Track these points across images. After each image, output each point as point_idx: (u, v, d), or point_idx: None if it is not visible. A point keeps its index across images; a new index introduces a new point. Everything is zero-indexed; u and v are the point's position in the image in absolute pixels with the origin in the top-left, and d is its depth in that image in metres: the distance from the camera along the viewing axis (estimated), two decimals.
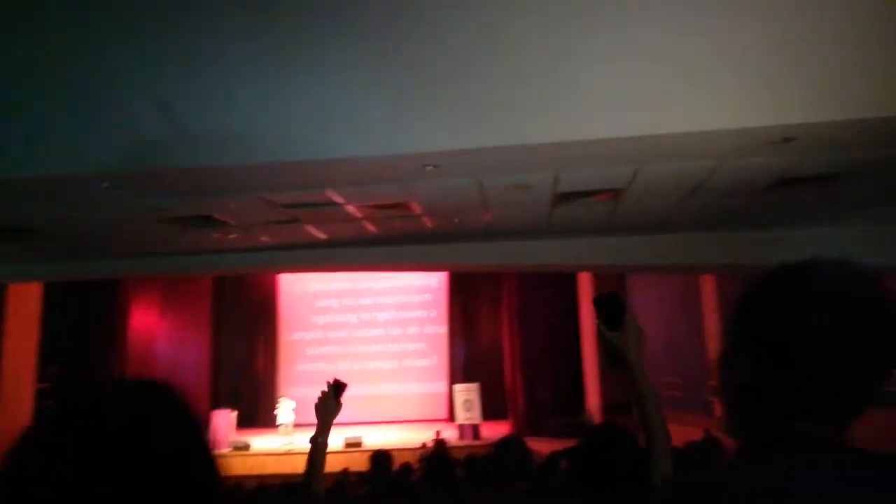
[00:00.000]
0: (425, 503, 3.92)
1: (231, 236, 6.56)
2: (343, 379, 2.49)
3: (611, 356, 1.70)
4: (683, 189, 5.45)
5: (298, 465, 11.54)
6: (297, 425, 15.24)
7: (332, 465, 11.52)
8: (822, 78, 3.67)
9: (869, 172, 5.01)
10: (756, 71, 3.70)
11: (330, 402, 2.43)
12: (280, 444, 13.57)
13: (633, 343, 1.68)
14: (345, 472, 7.03)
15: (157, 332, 16.00)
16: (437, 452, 5.46)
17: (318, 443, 2.35)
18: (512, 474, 3.49)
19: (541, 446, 11.18)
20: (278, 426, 14.07)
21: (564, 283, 14.87)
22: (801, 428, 0.82)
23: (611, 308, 1.70)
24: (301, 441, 13.78)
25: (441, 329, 17.51)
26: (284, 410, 14.10)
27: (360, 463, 8.26)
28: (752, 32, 3.71)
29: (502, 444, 3.78)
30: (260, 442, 13.81)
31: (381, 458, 5.19)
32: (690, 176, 5.06)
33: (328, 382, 2.49)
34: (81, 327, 13.44)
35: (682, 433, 10.11)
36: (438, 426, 15.20)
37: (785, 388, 0.83)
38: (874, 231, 6.73)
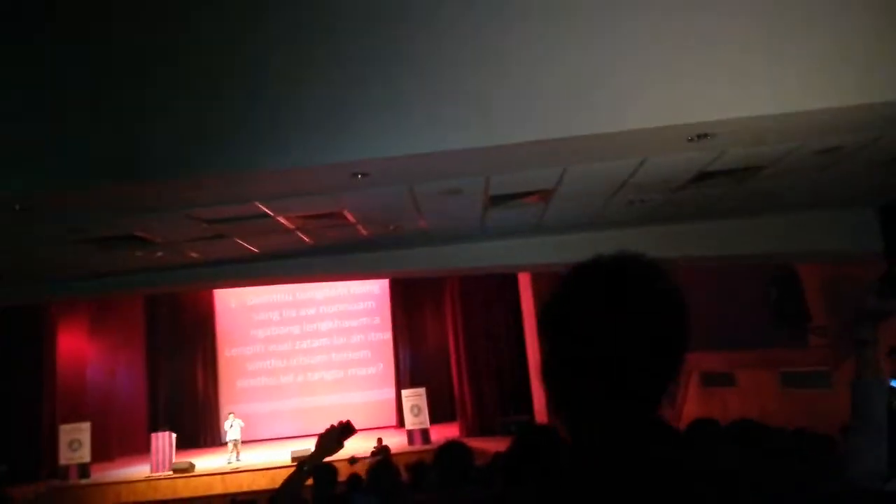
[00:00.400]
0: None
1: (157, 254, 6.35)
2: (353, 425, 2.47)
3: None
4: (609, 187, 5.59)
5: (245, 484, 11.19)
6: (245, 442, 14.90)
7: (280, 480, 11.25)
8: (738, 75, 3.81)
9: (787, 165, 5.25)
10: (671, 69, 3.83)
11: (332, 441, 2.39)
12: (226, 461, 13.22)
13: None
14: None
15: (88, 356, 15.31)
16: (382, 460, 5.41)
17: (304, 471, 2.32)
18: (454, 477, 3.48)
19: (490, 446, 11.26)
20: (226, 443, 13.69)
21: (506, 283, 15.03)
22: (610, 410, 0.86)
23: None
24: (248, 458, 13.45)
25: (385, 336, 17.41)
26: (233, 428, 13.73)
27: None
28: (669, 32, 3.84)
29: (444, 449, 3.77)
30: (204, 462, 13.41)
31: (323, 472, 5.09)
32: (615, 174, 5.19)
33: (340, 422, 2.46)
34: (5, 355, 12.76)
35: None
36: (388, 433, 15.11)
37: (584, 375, 0.88)
38: (795, 220, 7.07)
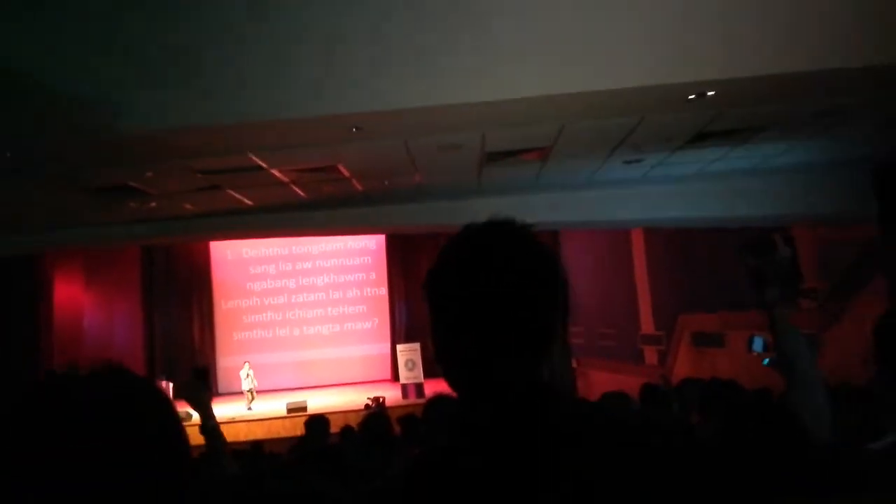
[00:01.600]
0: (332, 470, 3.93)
1: (151, 205, 6.32)
2: (202, 364, 2.49)
3: None
4: (607, 145, 5.55)
5: (242, 434, 11.35)
6: (241, 393, 15.10)
7: (277, 430, 11.40)
8: (737, 34, 3.75)
9: (786, 126, 5.21)
10: (672, 28, 3.76)
11: (197, 389, 2.42)
12: (245, 409, 13.45)
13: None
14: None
15: (84, 305, 15.38)
16: (375, 414, 5.50)
17: (211, 426, 2.34)
18: (440, 430, 3.54)
19: None
20: (244, 392, 13.87)
21: None
22: (484, 368, 0.89)
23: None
24: (260, 407, 13.73)
25: (381, 291, 17.47)
26: (249, 377, 13.91)
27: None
28: None
29: (432, 403, 3.82)
30: None
31: (315, 423, 5.19)
32: (613, 132, 5.15)
33: (190, 371, 2.50)
34: (1, 304, 12.81)
35: (616, 381, 10.52)
36: (382, 387, 15.32)
37: (457, 338, 0.91)
38: (791, 181, 7.05)
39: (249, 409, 13.71)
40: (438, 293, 0.95)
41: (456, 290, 0.91)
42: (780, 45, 3.73)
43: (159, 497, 0.74)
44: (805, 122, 5.11)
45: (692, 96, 4.18)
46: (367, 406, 12.26)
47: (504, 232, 0.94)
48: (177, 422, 0.82)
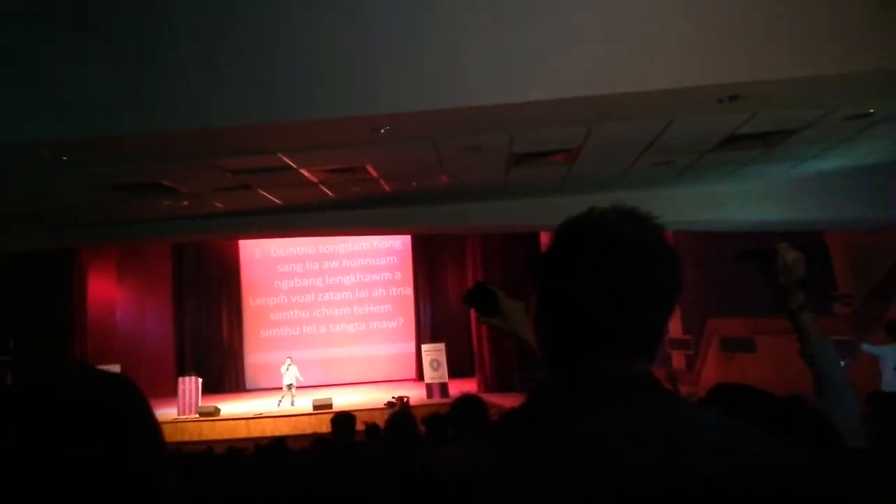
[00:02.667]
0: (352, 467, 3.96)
1: (183, 203, 6.43)
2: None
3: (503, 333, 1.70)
4: (636, 147, 5.50)
5: (268, 429, 11.49)
6: (267, 389, 15.28)
7: (303, 427, 11.47)
8: (768, 35, 3.70)
9: (818, 131, 5.12)
10: (702, 29, 3.72)
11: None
12: (287, 404, 13.56)
13: (517, 320, 1.67)
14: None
15: (117, 300, 15.72)
16: (401, 412, 5.53)
17: None
18: (467, 431, 3.55)
19: (507, 402, 11.43)
20: (286, 386, 13.96)
21: (527, 241, 15.00)
22: (598, 371, 0.85)
23: (483, 298, 1.68)
24: (272, 405, 13.84)
25: (407, 291, 17.54)
26: (289, 372, 14.01)
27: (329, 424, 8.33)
28: None
29: (458, 402, 3.83)
30: (229, 407, 13.82)
31: (341, 420, 5.24)
32: (642, 134, 5.11)
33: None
34: (37, 298, 13.14)
35: None
36: (407, 386, 15.38)
37: (572, 336, 0.87)
38: (824, 186, 6.92)
39: (292, 404, 13.66)
40: (560, 278, 0.88)
41: (582, 277, 0.86)
42: (812, 47, 3.67)
43: (133, 495, 0.72)
44: (837, 125, 5.01)
45: (723, 99, 4.12)
46: (389, 404, 12.32)
47: (636, 220, 0.89)
48: (150, 420, 0.80)
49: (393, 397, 12.98)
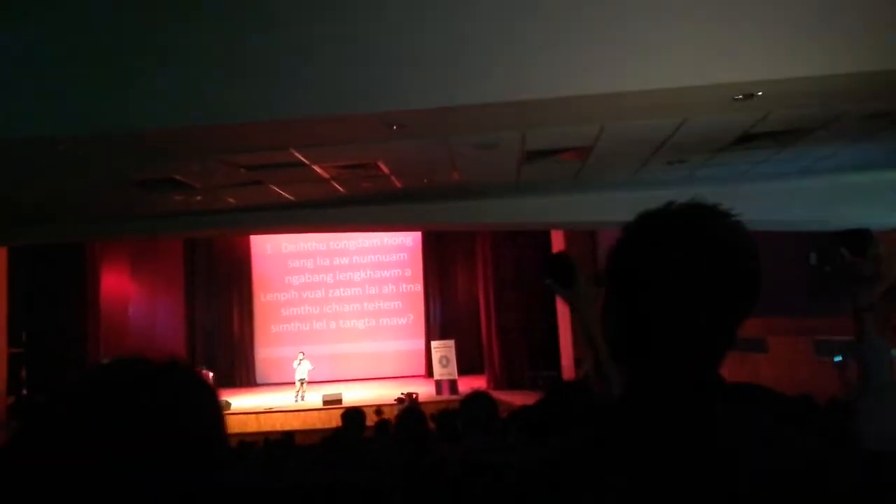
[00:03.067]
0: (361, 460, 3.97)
1: (196, 198, 6.47)
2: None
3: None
4: (649, 146, 5.48)
5: (278, 424, 11.60)
6: (278, 384, 15.36)
7: (313, 422, 11.56)
8: (786, 34, 3.67)
9: (833, 130, 5.07)
10: (718, 28, 3.69)
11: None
12: (294, 399, 13.66)
13: (585, 303, 1.68)
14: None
15: (129, 294, 15.86)
16: (410, 408, 5.55)
17: None
18: (477, 427, 3.56)
19: (517, 399, 11.42)
20: (297, 381, 14.06)
21: (538, 238, 14.97)
22: (669, 372, 0.83)
23: (563, 269, 1.71)
24: (281, 400, 13.92)
25: (416, 287, 17.59)
26: (300, 367, 14.11)
27: (339, 419, 8.37)
28: None
29: (469, 399, 3.84)
30: (239, 401, 13.91)
31: (351, 415, 5.26)
32: (655, 133, 5.08)
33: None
34: (51, 291, 13.26)
35: None
36: (416, 382, 15.42)
37: (646, 332, 0.84)
38: (840, 184, 6.85)
39: (302, 399, 13.74)
40: (638, 275, 0.85)
41: (663, 274, 0.83)
42: (831, 45, 3.63)
43: (191, 482, 0.73)
44: (854, 124, 4.97)
45: (739, 97, 4.09)
46: (398, 400, 12.35)
47: (719, 217, 0.86)
48: (217, 412, 0.82)
49: (402, 394, 13.03)
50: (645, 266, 0.85)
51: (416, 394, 12.97)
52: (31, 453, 0.69)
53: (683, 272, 0.82)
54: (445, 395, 13.68)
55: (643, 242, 0.87)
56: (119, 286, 15.44)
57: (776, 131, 5.12)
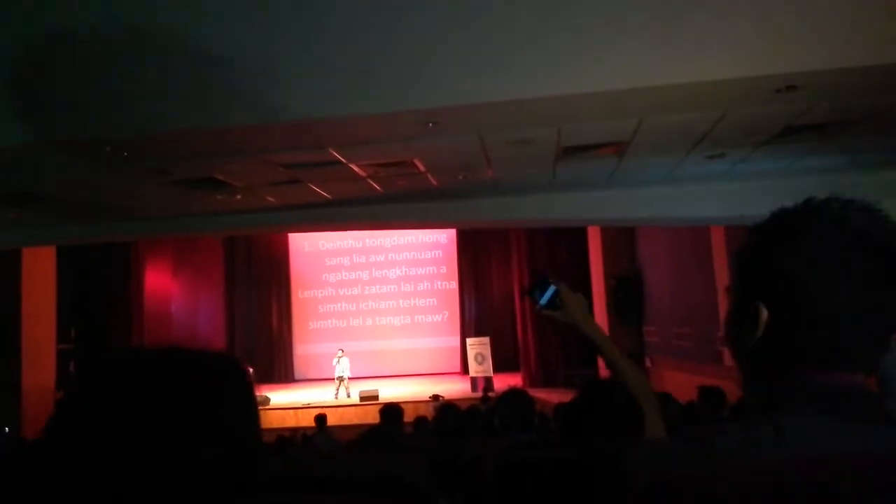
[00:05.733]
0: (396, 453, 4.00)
1: (236, 197, 6.60)
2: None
3: (561, 329, 1.65)
4: (688, 140, 5.40)
5: (315, 420, 11.64)
6: (315, 380, 15.56)
7: (350, 417, 11.72)
8: (827, 25, 3.58)
9: (880, 123, 4.93)
10: (759, 18, 3.62)
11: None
12: (334, 395, 13.84)
13: (579, 315, 1.61)
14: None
15: (172, 292, 16.25)
16: (447, 405, 5.59)
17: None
18: (514, 425, 3.57)
19: (552, 397, 11.38)
20: (337, 378, 14.25)
21: (573, 234, 14.88)
22: (816, 380, 0.76)
23: (542, 286, 1.61)
24: (319, 396, 14.10)
25: (452, 285, 17.64)
26: (340, 364, 14.29)
27: (376, 415, 8.46)
28: None
29: (505, 396, 3.86)
30: (278, 397, 14.15)
31: (389, 411, 5.32)
32: (695, 126, 5.00)
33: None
34: (98, 289, 13.68)
35: (692, 382, 10.22)
36: (451, 379, 15.47)
37: (798, 338, 0.76)
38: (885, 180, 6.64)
39: (347, 395, 13.88)
40: (781, 279, 0.78)
41: (813, 278, 0.76)
42: (875, 35, 3.53)
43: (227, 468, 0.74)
44: None
45: (780, 89, 4.01)
46: (434, 397, 12.43)
47: (873, 214, 0.79)
48: (251, 399, 0.85)
49: (430, 395, 13.08)
50: (789, 271, 0.77)
51: (442, 396, 12.91)
52: (70, 440, 0.70)
53: (838, 277, 0.75)
54: (481, 393, 13.70)
55: (784, 245, 0.79)
56: (162, 284, 15.84)
57: (819, 124, 4.99)
